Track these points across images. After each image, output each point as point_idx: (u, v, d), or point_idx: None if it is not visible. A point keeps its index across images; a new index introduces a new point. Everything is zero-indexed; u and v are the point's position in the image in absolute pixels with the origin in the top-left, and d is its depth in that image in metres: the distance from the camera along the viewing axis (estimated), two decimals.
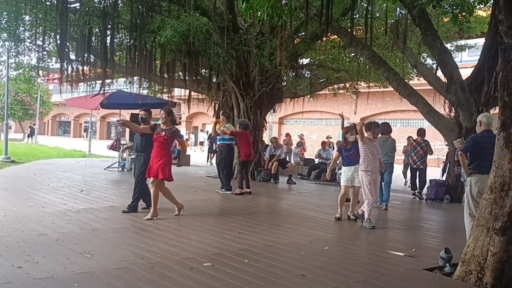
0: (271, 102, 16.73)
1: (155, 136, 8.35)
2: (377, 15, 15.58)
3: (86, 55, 14.69)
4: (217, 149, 12.84)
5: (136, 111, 10.88)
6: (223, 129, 11.72)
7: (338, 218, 8.95)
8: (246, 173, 12.25)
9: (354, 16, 13.99)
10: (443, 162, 15.40)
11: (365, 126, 8.78)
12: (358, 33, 15.47)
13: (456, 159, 11.49)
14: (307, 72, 19.79)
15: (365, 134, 8.52)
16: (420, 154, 13.11)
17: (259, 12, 6.33)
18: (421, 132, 13.53)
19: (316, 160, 18.31)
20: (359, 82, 19.05)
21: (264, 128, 17.11)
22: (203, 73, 17.32)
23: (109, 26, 14.31)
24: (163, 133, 8.33)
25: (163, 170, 8.22)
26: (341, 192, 9.14)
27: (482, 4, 11.57)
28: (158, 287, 4.74)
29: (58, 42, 14.25)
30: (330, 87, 19.93)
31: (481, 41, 14.12)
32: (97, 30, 14.34)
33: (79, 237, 6.62)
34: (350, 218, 8.99)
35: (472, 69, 12.53)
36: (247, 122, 12.79)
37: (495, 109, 11.50)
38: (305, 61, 19.05)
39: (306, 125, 39.11)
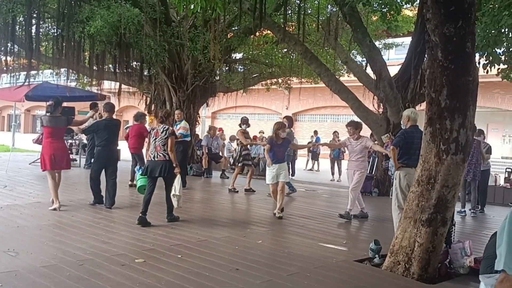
0: (204, 96, 16.64)
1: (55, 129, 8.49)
2: (309, 11, 15.81)
3: (9, 44, 14.03)
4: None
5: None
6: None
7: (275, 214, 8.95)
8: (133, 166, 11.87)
9: (287, 12, 14.13)
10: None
11: (352, 127, 9.11)
12: (291, 29, 15.64)
13: (384, 153, 11.89)
14: (240, 66, 19.82)
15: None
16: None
17: (193, 5, 6.24)
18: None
19: None
20: (291, 78, 19.28)
21: (197, 123, 16.98)
22: (134, 66, 16.95)
23: (35, 15, 13.71)
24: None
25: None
26: (271, 190, 9.17)
27: (409, 4, 12.02)
28: (88, 285, 4.58)
29: None
30: (263, 82, 20.06)
31: (407, 40, 14.66)
32: (21, 18, 13.70)
33: (3, 235, 6.29)
34: (276, 215, 8.80)
35: (399, 66, 12.97)
36: (138, 113, 12.43)
37: (420, 105, 11.99)
38: (238, 55, 19.07)
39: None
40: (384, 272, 5.55)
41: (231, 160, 12.68)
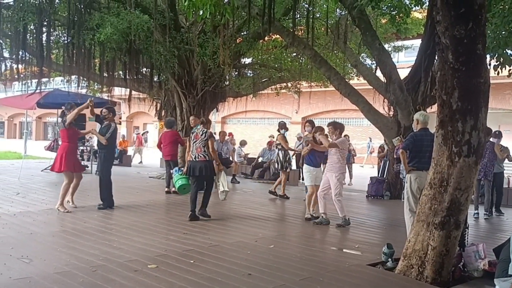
0: (214, 101, 16.65)
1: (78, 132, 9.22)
2: (318, 15, 15.80)
3: (21, 52, 14.15)
4: None
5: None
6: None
7: (309, 219, 8.95)
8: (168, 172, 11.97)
9: (296, 16, 14.14)
10: (378, 158, 15.94)
11: (332, 127, 8.82)
12: (300, 33, 15.65)
13: (395, 156, 11.85)
14: (249, 71, 19.83)
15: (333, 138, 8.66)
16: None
17: (202, 11, 6.27)
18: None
19: (260, 159, 18.35)
20: (301, 82, 19.26)
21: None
22: (144, 72, 17.03)
23: (45, 23, 13.80)
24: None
25: None
26: (308, 192, 9.19)
27: (418, 6, 11.98)
28: None
29: None
30: (272, 87, 20.05)
31: (417, 42, 14.62)
32: (32, 27, 13.81)
33: (16, 242, 6.33)
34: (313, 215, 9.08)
35: (409, 69, 12.91)
36: (169, 120, 12.54)
37: (431, 108, 11.93)
38: (247, 60, 19.08)
39: (249, 124, 39.24)
40: (397, 276, 5.52)
41: (277, 166, 12.42)
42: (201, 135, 8.50)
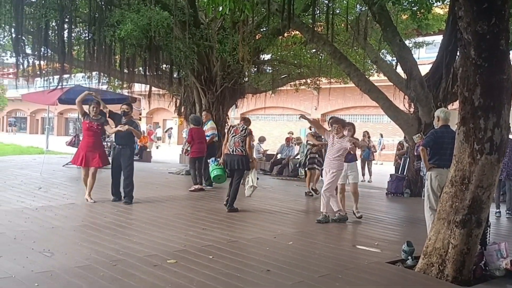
0: (233, 97, 16.67)
1: (88, 125, 9.13)
2: (338, 11, 15.71)
3: (43, 49, 14.30)
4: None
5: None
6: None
7: (360, 217, 8.84)
8: (199, 169, 11.83)
9: (316, 12, 14.08)
10: (397, 155, 15.81)
11: (340, 125, 8.51)
12: (319, 29, 15.57)
13: (415, 153, 11.73)
14: (269, 67, 19.79)
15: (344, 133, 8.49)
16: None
17: (221, 7, 6.28)
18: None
19: (278, 156, 18.35)
20: (320, 78, 19.18)
21: (226, 124, 17.04)
22: (164, 68, 17.10)
23: (67, 20, 13.94)
24: (95, 123, 9.18)
25: (105, 158, 9.55)
26: (339, 189, 9.03)
27: (439, 2, 11.85)
28: (121, 285, 4.65)
29: (13, 35, 13.84)
30: (291, 83, 20.00)
31: (438, 38, 14.44)
32: (54, 23, 13.95)
33: (38, 236, 6.42)
34: (356, 216, 8.83)
35: (430, 65, 12.77)
36: (197, 117, 12.50)
37: (452, 105, 11.80)
38: (266, 56, 19.06)
39: (268, 121, 39.19)
40: (417, 274, 5.48)
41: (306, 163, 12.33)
42: (241, 131, 8.95)
